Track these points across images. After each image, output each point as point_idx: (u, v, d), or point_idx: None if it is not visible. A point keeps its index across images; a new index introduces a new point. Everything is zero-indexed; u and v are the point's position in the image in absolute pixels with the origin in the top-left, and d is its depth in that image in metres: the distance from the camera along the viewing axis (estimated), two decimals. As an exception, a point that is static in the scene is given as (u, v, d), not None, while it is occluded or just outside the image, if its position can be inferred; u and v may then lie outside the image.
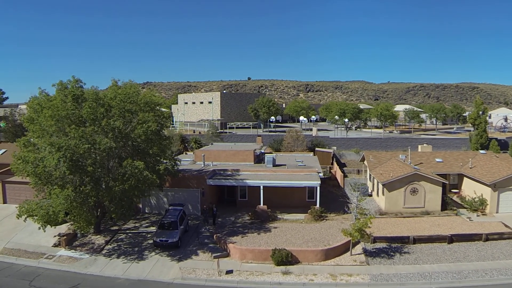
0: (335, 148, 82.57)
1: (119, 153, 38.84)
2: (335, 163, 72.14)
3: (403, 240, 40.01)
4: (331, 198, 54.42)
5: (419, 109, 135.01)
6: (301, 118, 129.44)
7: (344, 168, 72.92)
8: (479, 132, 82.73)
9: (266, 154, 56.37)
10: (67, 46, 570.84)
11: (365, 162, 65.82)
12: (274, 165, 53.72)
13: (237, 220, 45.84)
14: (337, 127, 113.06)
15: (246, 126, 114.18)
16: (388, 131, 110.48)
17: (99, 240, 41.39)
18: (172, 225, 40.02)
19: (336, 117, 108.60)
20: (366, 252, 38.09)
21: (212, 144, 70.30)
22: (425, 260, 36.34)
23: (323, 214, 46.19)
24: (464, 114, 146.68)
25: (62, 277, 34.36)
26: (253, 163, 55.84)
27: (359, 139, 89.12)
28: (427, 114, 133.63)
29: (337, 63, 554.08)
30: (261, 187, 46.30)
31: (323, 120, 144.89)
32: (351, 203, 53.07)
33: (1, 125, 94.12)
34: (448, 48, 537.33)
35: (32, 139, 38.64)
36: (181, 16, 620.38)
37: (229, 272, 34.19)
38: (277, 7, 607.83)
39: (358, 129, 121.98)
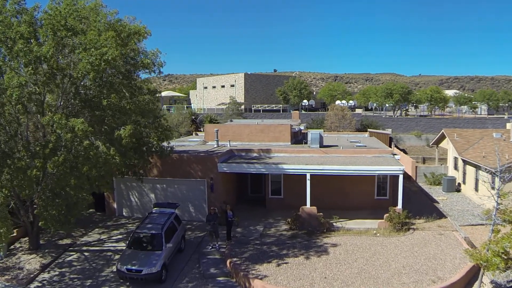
0: (389, 130, 64.33)
1: (54, 107, 21.28)
2: (395, 148, 53.93)
3: (552, 264, 22.71)
4: (404, 194, 36.32)
5: (470, 95, 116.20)
6: (338, 102, 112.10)
7: (406, 156, 54.86)
8: None
9: (309, 130, 38.27)
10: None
11: (443, 144, 48.07)
12: (322, 145, 35.69)
13: (267, 232, 27.65)
14: (377, 114, 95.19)
15: (275, 108, 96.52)
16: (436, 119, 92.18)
17: (33, 262, 24.17)
18: (153, 241, 22.39)
19: (375, 102, 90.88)
20: None
21: (231, 121, 52.33)
22: None
23: (407, 221, 28.23)
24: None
25: None
26: (289, 143, 37.78)
27: (420, 120, 71.16)
28: (478, 101, 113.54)
29: (366, 55, 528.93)
30: (308, 176, 28.22)
31: (360, 108, 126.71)
32: (437, 202, 35.60)
33: None
34: (483, 41, 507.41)
35: None
36: (203, 9, 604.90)
37: None
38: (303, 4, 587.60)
39: (400, 116, 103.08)
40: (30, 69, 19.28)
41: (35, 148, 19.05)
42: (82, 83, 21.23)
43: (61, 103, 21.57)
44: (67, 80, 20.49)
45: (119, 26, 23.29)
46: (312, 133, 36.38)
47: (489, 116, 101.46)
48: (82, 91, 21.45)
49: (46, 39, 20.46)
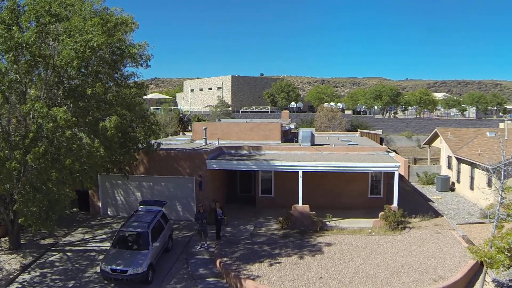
0: (380, 131, 63.85)
1: (35, 98, 20.13)
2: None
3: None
4: (398, 193, 35.56)
5: (459, 98, 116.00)
6: (326, 104, 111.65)
7: (397, 157, 54.31)
8: None
9: (300, 128, 37.44)
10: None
11: (435, 143, 47.96)
12: (313, 143, 34.84)
13: (258, 231, 26.70)
14: (366, 116, 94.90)
15: (263, 110, 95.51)
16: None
17: (13, 262, 22.89)
18: (139, 240, 21.29)
19: (364, 104, 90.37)
20: (502, 287, 20.35)
21: (219, 120, 51.25)
22: None
23: (403, 219, 27.46)
24: (505, 105, 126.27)
25: None
26: (279, 141, 36.96)
27: (410, 120, 70.97)
28: (467, 104, 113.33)
29: (353, 58, 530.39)
30: (300, 173, 27.33)
31: (348, 110, 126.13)
32: (432, 201, 35.20)
33: None
34: (469, 44, 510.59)
35: None
36: (190, 7, 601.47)
37: None
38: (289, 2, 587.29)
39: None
40: (11, 55, 18.15)
41: (15, 139, 17.87)
42: (66, 74, 20.06)
43: (44, 95, 20.43)
44: (51, 70, 19.32)
45: (105, 14, 22.22)
46: (303, 131, 35.53)
47: (477, 118, 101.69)
48: (65, 81, 20.29)
49: (29, 25, 19.36)
